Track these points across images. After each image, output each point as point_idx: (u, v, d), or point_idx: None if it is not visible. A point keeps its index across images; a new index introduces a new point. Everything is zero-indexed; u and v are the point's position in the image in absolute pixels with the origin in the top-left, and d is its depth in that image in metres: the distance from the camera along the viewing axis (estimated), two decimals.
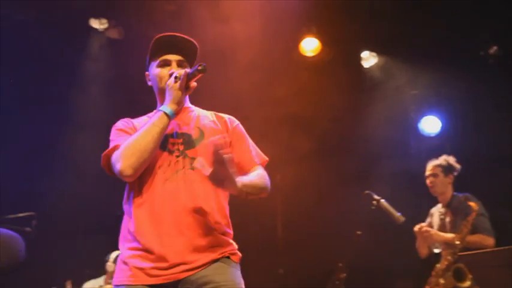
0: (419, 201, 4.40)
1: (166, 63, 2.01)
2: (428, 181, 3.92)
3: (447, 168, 3.89)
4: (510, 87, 4.87)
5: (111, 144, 1.94)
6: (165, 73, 1.97)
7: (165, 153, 1.92)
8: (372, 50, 5.51)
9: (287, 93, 4.96)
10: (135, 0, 4.72)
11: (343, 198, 4.82)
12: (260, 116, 4.97)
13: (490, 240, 3.60)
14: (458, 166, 3.92)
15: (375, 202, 3.62)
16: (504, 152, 4.86)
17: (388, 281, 4.97)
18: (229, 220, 2.00)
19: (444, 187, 3.89)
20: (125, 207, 1.96)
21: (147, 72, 2.10)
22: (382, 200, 3.66)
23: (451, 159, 3.95)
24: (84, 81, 4.90)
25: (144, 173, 1.89)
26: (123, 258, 1.90)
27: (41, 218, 3.91)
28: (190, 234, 1.85)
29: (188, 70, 1.91)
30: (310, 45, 5.21)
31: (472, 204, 3.57)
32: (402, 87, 5.49)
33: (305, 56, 5.26)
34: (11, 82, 4.17)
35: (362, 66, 5.54)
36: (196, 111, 2.11)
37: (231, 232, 1.99)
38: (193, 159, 1.91)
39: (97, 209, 4.78)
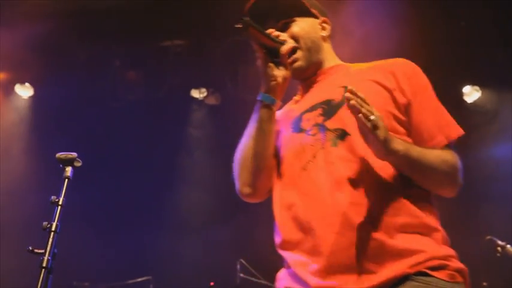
0: None
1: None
2: None
3: None
4: None
5: None
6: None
7: (300, 135, 1.44)
8: (473, 83, 5.23)
9: None
10: (230, 67, 5.02)
11: (463, 243, 4.43)
12: None
13: None
14: None
15: (499, 249, 3.32)
16: None
17: None
18: (427, 210, 1.34)
19: None
20: None
21: None
22: (509, 246, 3.35)
23: None
24: (189, 145, 5.23)
25: (280, 166, 1.46)
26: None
27: (157, 281, 4.11)
28: (343, 239, 1.26)
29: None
30: None
31: None
32: None
33: None
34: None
35: (465, 102, 5.25)
36: (347, 67, 1.57)
37: (433, 229, 1.32)
38: (336, 131, 1.37)
39: (211, 271, 4.90)
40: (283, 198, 1.42)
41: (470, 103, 5.22)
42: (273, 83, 1.46)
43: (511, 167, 4.68)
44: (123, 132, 4.84)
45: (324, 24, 1.59)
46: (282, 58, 1.47)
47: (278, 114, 1.56)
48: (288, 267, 1.40)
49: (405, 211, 1.31)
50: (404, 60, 1.50)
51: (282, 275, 1.43)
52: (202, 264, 4.86)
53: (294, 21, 1.53)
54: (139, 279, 4.11)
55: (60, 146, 1.96)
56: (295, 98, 1.62)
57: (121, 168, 4.71)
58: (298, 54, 1.51)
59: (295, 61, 1.51)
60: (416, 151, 1.31)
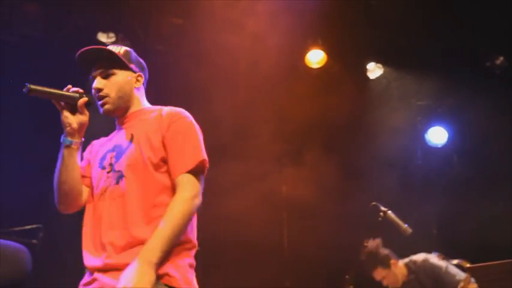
0: (424, 210, 4.37)
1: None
2: (385, 284, 3.88)
3: (382, 261, 3.82)
4: None
5: None
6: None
7: (101, 172, 1.87)
8: (377, 61, 5.52)
9: (293, 106, 4.98)
10: (143, 14, 4.78)
11: (350, 208, 4.80)
12: (267, 129, 5.00)
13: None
14: (382, 250, 3.81)
15: (381, 214, 3.60)
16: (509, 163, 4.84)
17: None
18: None
19: (397, 274, 3.83)
20: None
21: None
22: (389, 212, 3.64)
23: (373, 250, 3.80)
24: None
25: (89, 193, 1.90)
26: None
27: (47, 230, 3.91)
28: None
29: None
30: (316, 57, 5.24)
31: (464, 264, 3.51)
32: (408, 98, 5.49)
33: (311, 68, 5.28)
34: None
35: (368, 77, 5.55)
36: (146, 113, 1.96)
37: None
38: (119, 172, 1.81)
39: None
40: (85, 218, 1.88)
41: (373, 79, 5.53)
42: (68, 128, 1.85)
43: (404, 140, 5.07)
44: (17, 71, 4.41)
45: (139, 78, 2.00)
46: (79, 108, 1.86)
47: (97, 142, 2.02)
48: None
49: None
50: (179, 113, 1.91)
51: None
52: None
53: (114, 73, 1.91)
54: (27, 227, 3.88)
55: None
56: (113, 132, 2.02)
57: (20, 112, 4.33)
58: (107, 100, 1.90)
59: (104, 104, 1.90)
60: (161, 241, 1.67)
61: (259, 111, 4.94)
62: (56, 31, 4.53)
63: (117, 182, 1.79)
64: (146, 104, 2.03)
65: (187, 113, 1.93)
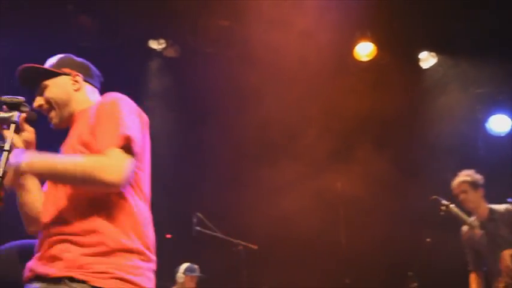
0: (489, 201, 4.17)
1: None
2: (460, 198, 3.71)
3: (473, 182, 3.65)
4: None
5: None
6: None
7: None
8: (430, 50, 5.33)
9: (344, 101, 4.90)
10: (190, 18, 4.87)
11: (408, 203, 4.66)
12: (318, 126, 4.95)
13: None
14: (481, 178, 3.70)
15: (443, 207, 3.48)
16: None
17: None
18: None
19: (478, 202, 3.65)
20: None
21: None
22: (452, 205, 3.51)
23: (474, 174, 3.68)
24: (145, 98, 5.09)
25: None
26: None
27: None
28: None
29: None
30: (365, 50, 5.13)
31: None
32: (466, 86, 5.26)
33: (360, 62, 5.17)
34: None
35: (420, 67, 5.36)
36: (89, 111, 1.80)
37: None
38: None
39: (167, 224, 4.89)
40: None
41: (426, 69, 5.34)
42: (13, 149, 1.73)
43: (464, 131, 4.86)
44: None
45: (77, 78, 1.87)
46: (20, 126, 1.73)
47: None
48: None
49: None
50: (109, 98, 1.75)
51: None
52: (158, 217, 4.84)
53: (45, 86, 1.82)
54: None
55: (3, 91, 1.85)
56: None
57: None
58: (52, 114, 1.83)
59: (51, 119, 1.83)
60: (45, 164, 1.61)
61: (310, 109, 4.91)
62: (108, 41, 4.69)
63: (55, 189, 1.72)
64: (97, 100, 1.88)
65: (116, 94, 1.75)
